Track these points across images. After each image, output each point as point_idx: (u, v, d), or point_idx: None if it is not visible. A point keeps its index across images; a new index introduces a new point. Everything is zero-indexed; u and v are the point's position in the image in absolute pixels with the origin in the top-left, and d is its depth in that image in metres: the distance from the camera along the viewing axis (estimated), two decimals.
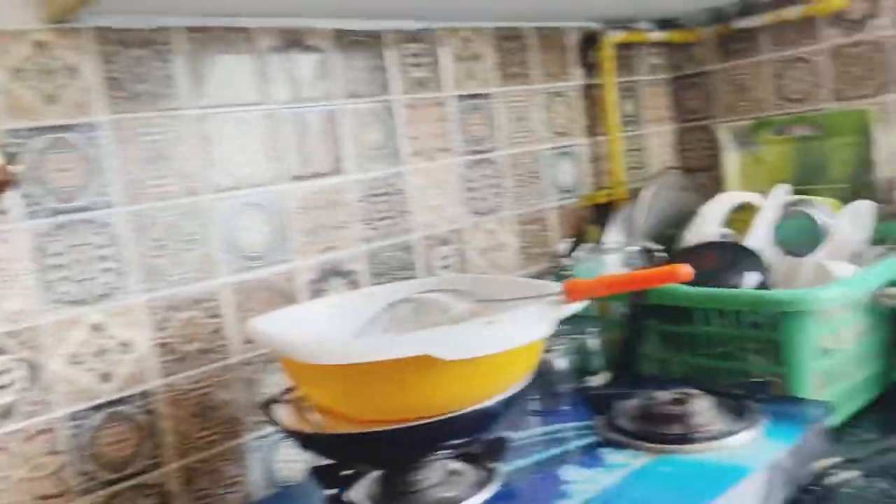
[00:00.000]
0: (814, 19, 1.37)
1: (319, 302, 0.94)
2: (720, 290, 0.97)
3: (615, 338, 1.10)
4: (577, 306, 0.69)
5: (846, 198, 1.35)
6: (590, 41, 1.45)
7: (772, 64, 1.45)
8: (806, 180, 1.44)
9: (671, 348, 1.05)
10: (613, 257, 1.20)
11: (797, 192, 1.45)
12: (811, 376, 0.93)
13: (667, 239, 1.32)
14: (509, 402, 0.74)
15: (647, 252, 1.01)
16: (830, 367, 0.96)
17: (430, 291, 0.79)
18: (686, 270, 0.65)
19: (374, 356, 0.59)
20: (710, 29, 1.51)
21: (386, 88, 1.16)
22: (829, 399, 0.96)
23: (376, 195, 1.15)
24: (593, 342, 1.05)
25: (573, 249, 1.26)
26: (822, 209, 1.00)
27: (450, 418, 0.67)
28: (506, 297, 0.72)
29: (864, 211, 1.18)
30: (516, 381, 0.73)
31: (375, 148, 1.15)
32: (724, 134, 1.52)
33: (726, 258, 1.04)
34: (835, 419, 0.98)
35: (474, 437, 0.74)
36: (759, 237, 1.13)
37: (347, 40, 1.11)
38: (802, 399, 0.91)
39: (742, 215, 1.29)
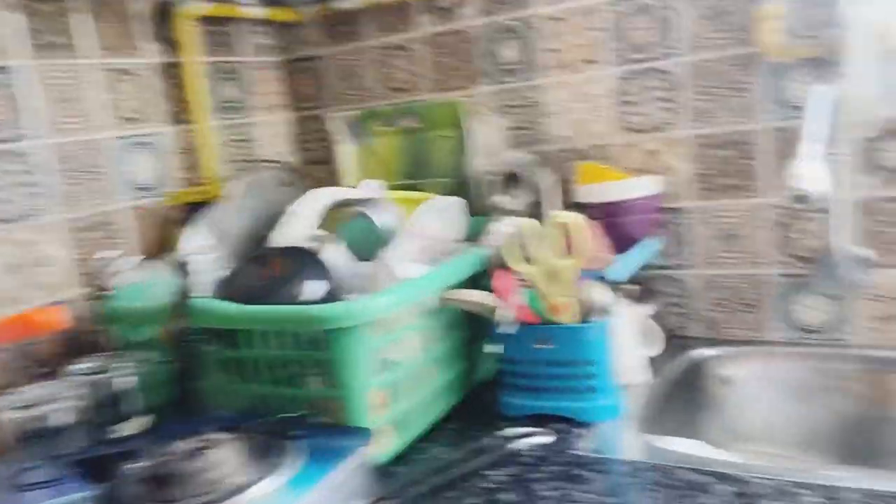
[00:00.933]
0: (409, 5, 1.31)
1: None
2: (260, 307, 0.83)
3: (167, 369, 0.91)
4: None
5: (448, 192, 1.32)
6: (167, 11, 1.23)
7: (375, 51, 1.37)
8: (416, 173, 1.39)
9: (233, 376, 0.89)
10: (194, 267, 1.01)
11: (408, 186, 1.40)
12: (369, 396, 0.83)
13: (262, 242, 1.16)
14: None
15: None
16: (395, 381, 0.87)
17: None
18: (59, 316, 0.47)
19: None
20: (313, 8, 1.38)
21: None
22: (397, 416, 0.88)
23: None
24: (125, 380, 0.84)
25: (143, 260, 1.04)
26: (383, 209, 0.91)
27: None
28: None
29: (450, 207, 1.13)
30: None
31: None
32: (335, 124, 1.41)
33: (292, 266, 0.90)
34: (404, 439, 0.90)
35: None
36: None
37: None
38: (346, 428, 0.80)
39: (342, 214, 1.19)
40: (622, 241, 1.12)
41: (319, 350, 0.81)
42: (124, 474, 0.70)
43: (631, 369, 1.04)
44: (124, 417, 0.83)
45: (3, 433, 0.75)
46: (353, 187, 1.19)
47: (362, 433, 0.77)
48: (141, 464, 0.71)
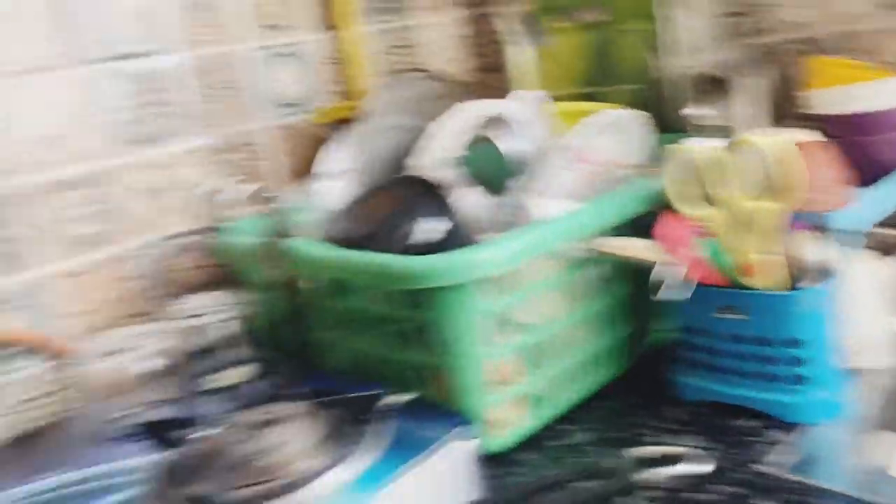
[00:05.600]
0: None
1: None
2: (350, 253, 0.68)
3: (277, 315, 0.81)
4: None
5: (636, 102, 1.06)
6: None
7: None
8: (600, 79, 1.14)
9: (341, 329, 0.77)
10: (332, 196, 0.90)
11: (588, 95, 1.15)
12: (486, 368, 0.66)
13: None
14: None
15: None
16: (526, 349, 0.69)
17: None
18: None
19: None
20: None
21: None
22: (528, 392, 0.70)
23: None
24: (226, 325, 0.76)
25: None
26: (522, 129, 0.70)
27: None
28: None
29: (625, 122, 0.88)
30: None
31: None
32: (507, 23, 1.20)
33: (405, 201, 0.74)
34: (538, 419, 0.72)
35: None
36: None
37: None
38: (448, 408, 0.64)
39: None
40: (870, 169, 0.80)
41: (420, 310, 0.65)
42: (174, 447, 0.61)
43: (868, 349, 0.75)
44: (222, 367, 0.75)
45: (90, 382, 0.70)
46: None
47: (467, 414, 0.61)
48: (198, 434, 0.61)
